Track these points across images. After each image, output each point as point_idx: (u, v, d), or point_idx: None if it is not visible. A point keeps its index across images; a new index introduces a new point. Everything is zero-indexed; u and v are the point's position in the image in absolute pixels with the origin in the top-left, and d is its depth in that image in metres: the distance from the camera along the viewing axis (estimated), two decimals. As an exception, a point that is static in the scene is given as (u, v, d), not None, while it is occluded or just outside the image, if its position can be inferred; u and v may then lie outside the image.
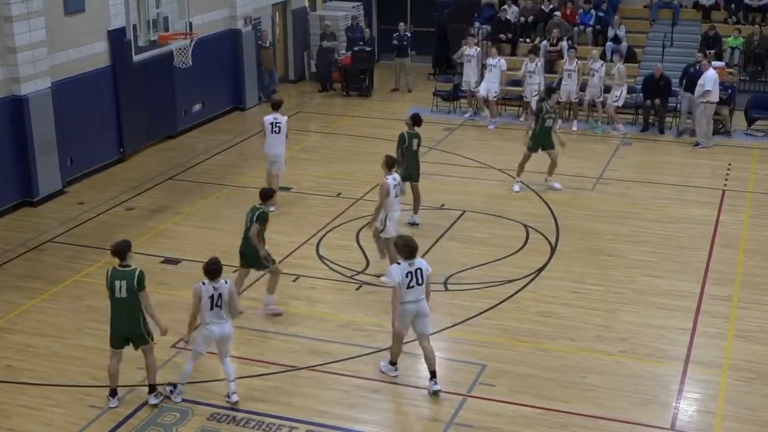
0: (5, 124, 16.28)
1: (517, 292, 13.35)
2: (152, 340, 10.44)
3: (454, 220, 16.06)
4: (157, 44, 17.92)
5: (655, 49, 24.68)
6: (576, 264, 14.31)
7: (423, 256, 14.21)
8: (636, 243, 15.13)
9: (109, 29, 18.54)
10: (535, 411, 10.42)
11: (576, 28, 25.70)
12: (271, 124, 16.45)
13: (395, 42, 26.00)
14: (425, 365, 10.82)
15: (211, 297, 10.27)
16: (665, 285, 13.57)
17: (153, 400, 10.51)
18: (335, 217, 16.16)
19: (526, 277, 13.82)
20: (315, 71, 26.56)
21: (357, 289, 13.56)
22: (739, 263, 14.29)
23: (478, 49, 22.70)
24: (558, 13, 25.54)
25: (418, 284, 10.59)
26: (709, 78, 20.06)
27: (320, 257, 14.58)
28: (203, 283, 10.28)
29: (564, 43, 24.71)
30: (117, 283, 10.07)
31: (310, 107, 24.47)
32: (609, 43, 24.72)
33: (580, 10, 25.97)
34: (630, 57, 24.10)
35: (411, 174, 15.39)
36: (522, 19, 26.16)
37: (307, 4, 27.42)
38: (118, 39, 18.36)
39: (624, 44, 24.62)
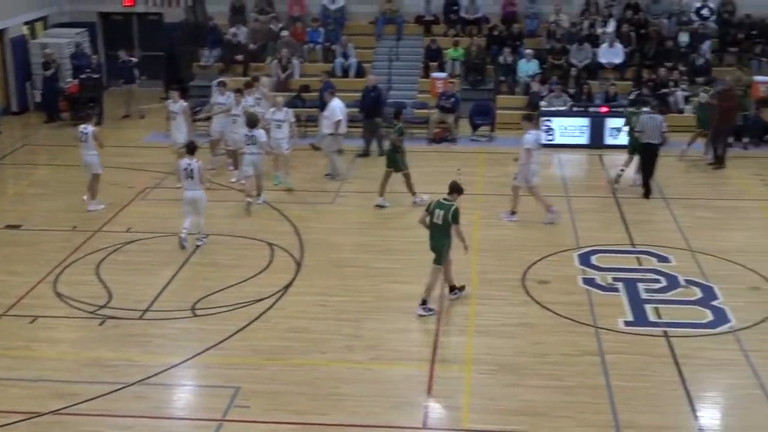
0: None
1: (266, 311, 13.37)
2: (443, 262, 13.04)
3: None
4: None
5: (382, 64, 25.56)
6: (321, 277, 14.54)
7: (168, 284, 14.14)
8: (378, 252, 15.59)
9: None
10: (291, 427, 10.46)
11: (306, 46, 26.15)
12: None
13: (120, 68, 25.43)
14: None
15: (185, 169, 15.17)
16: (408, 290, 13.97)
17: (420, 311, 13.07)
18: (72, 251, 15.53)
19: (273, 295, 13.87)
20: (40, 101, 25.41)
21: (100, 324, 13.06)
22: (474, 262, 14.98)
23: (184, 103, 19.66)
24: (287, 32, 25.87)
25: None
26: (336, 108, 19.34)
27: (58, 295, 13.95)
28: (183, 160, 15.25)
29: (295, 61, 25.10)
30: (437, 211, 12.88)
31: (37, 139, 23.37)
32: (338, 60, 25.35)
33: (309, 28, 26.45)
34: (359, 72, 24.80)
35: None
36: (253, 44, 26.21)
37: (26, 32, 26.18)
38: None
39: (353, 60, 25.33)
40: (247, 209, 17.45)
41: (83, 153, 17.51)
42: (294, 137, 19.41)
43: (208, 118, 20.59)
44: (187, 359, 12.00)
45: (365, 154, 21.40)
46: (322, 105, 20.44)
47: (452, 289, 13.60)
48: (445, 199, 13.15)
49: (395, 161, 17.75)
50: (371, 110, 21.38)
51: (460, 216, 13.02)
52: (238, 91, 19.72)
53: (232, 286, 14.15)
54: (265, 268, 14.90)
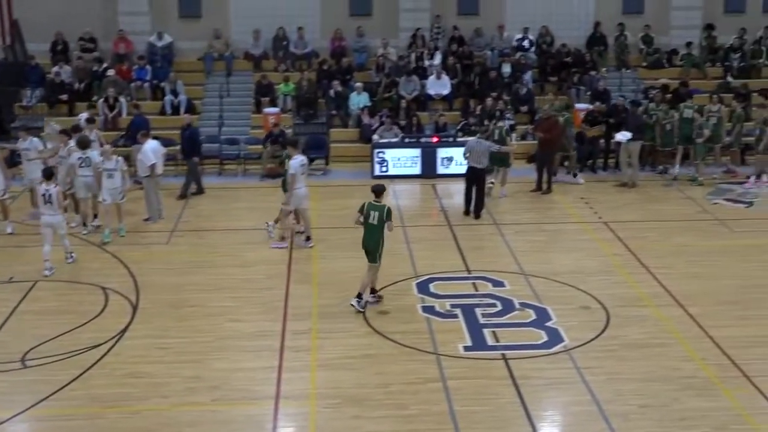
0: None
1: (102, 357, 12.90)
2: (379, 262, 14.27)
3: (26, 292, 15.21)
4: None
5: (213, 100, 25.39)
6: (159, 319, 14.19)
7: (-6, 336, 13.50)
8: (216, 290, 15.35)
9: None
10: (133, 476, 10.14)
11: (133, 84, 25.65)
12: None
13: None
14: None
15: (43, 195, 15.61)
16: (249, 327, 13.88)
17: (353, 302, 14.22)
18: None
19: (110, 340, 13.42)
20: None
21: None
22: (314, 296, 15.02)
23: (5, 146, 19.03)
24: (112, 71, 25.31)
25: None
26: (149, 151, 18.55)
27: None
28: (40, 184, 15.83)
29: (122, 100, 24.57)
30: (372, 213, 14.00)
31: None
32: (167, 97, 24.97)
33: (135, 66, 25.97)
34: (189, 109, 24.47)
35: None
36: (77, 83, 25.48)
37: None
38: None
39: (183, 97, 25.01)
40: (89, 232, 18.05)
41: None
42: (127, 180, 18.68)
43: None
44: (18, 413, 11.42)
45: (199, 191, 21.11)
46: (135, 142, 19.92)
47: (373, 291, 14.60)
48: (375, 201, 14.33)
49: (285, 189, 17.67)
50: (188, 149, 21.07)
51: (392, 214, 14.40)
52: (65, 133, 19.08)
53: (65, 333, 13.60)
54: (100, 313, 14.41)
